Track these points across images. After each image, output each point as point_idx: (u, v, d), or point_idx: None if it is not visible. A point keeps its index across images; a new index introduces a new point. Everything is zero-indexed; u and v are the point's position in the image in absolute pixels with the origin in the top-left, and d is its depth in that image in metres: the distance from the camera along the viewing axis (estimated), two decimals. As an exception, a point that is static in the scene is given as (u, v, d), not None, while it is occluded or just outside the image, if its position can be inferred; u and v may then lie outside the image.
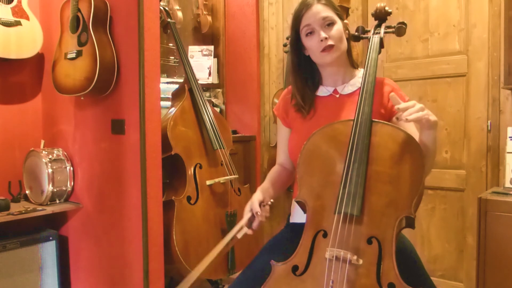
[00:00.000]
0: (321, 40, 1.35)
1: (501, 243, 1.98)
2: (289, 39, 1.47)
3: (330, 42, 1.35)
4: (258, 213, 1.32)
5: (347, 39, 1.43)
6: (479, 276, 2.05)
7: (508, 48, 2.18)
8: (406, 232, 1.26)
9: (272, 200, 1.39)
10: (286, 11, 3.32)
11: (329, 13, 1.37)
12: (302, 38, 1.40)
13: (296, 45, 1.43)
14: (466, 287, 2.53)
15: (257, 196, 1.38)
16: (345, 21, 1.43)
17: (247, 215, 1.35)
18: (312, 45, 1.38)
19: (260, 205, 1.35)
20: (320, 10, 1.36)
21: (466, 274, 2.53)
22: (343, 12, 1.45)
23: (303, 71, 1.46)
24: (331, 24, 1.36)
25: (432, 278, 1.34)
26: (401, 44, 2.75)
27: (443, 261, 2.62)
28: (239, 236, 1.33)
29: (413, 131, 1.33)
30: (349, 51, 1.45)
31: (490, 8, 2.41)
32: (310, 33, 1.37)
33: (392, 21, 1.45)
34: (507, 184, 2.16)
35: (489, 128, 2.43)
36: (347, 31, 1.42)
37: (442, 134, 2.61)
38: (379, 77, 1.38)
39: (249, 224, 1.34)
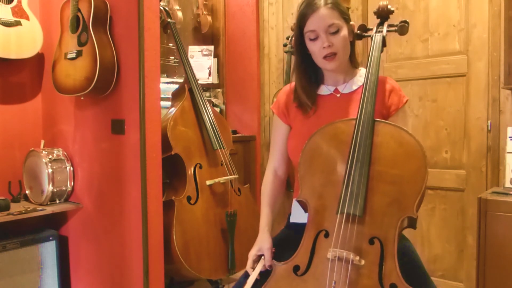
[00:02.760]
0: (324, 47, 1.34)
1: (501, 243, 1.98)
2: (293, 36, 1.45)
3: (333, 51, 1.34)
4: (270, 267, 1.29)
5: (351, 42, 1.42)
6: (479, 276, 2.05)
7: (508, 48, 2.18)
8: (406, 232, 1.25)
9: (273, 248, 1.37)
10: (286, 11, 3.32)
11: (335, 19, 1.34)
12: (306, 40, 1.39)
13: (300, 43, 1.42)
14: (466, 287, 2.54)
15: (269, 245, 1.34)
16: (352, 22, 1.42)
17: (260, 266, 1.31)
18: (314, 50, 1.37)
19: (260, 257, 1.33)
20: (326, 16, 1.33)
21: (466, 274, 2.53)
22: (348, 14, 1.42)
23: (307, 69, 1.45)
24: (336, 31, 1.34)
25: (432, 278, 1.34)
26: (401, 44, 2.75)
27: (443, 261, 2.62)
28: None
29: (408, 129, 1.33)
30: (352, 53, 1.44)
31: (490, 8, 2.41)
32: (314, 39, 1.36)
33: (392, 21, 1.45)
34: (507, 184, 2.16)
35: (489, 128, 2.43)
36: (351, 34, 1.41)
37: (442, 134, 2.61)
38: (381, 76, 1.38)
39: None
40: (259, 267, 1.31)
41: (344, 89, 1.44)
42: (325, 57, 1.35)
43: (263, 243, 1.35)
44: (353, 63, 1.47)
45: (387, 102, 1.39)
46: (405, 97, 1.42)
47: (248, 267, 1.34)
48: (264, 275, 1.29)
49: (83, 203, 2.31)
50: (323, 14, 1.34)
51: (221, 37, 3.34)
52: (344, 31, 1.36)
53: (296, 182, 1.43)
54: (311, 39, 1.37)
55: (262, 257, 1.33)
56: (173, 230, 2.18)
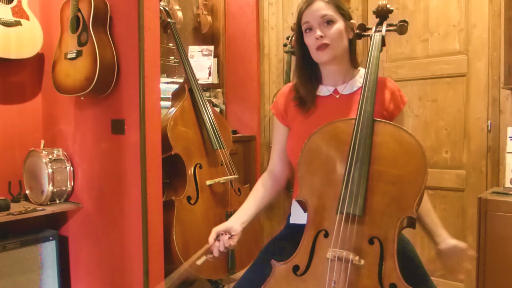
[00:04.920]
0: (316, 38, 1.35)
1: (501, 243, 1.98)
2: (295, 34, 1.47)
3: (325, 41, 1.34)
4: (212, 246, 1.31)
5: (351, 40, 1.42)
6: (479, 276, 2.05)
7: (508, 48, 2.18)
8: (406, 232, 1.25)
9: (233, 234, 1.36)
10: (286, 11, 3.32)
11: (329, 11, 1.36)
12: (303, 35, 1.40)
13: (300, 41, 1.43)
14: (466, 287, 2.53)
15: (218, 227, 1.36)
16: (352, 21, 1.42)
17: (206, 245, 1.33)
18: (309, 42, 1.38)
19: (218, 236, 1.34)
20: (320, 8, 1.36)
21: (466, 274, 2.53)
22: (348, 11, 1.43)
23: (307, 67, 1.46)
24: (330, 22, 1.35)
25: (432, 278, 1.34)
26: (401, 44, 2.75)
27: (443, 261, 2.61)
28: (199, 262, 1.30)
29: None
30: (353, 51, 1.44)
31: (490, 8, 2.41)
32: (309, 29, 1.38)
33: (392, 20, 1.45)
34: (507, 184, 2.16)
35: (489, 128, 2.43)
36: (351, 32, 1.42)
37: (442, 134, 2.61)
38: (381, 77, 1.38)
39: (209, 252, 1.32)
40: (205, 247, 1.32)
41: (344, 90, 1.43)
42: (317, 48, 1.36)
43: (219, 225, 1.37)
44: (353, 63, 1.47)
45: (388, 105, 1.39)
46: (405, 98, 1.42)
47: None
48: (259, 272, 1.29)
49: (83, 203, 2.31)
50: (318, 6, 1.37)
51: (221, 37, 3.34)
52: (339, 25, 1.37)
53: (295, 182, 1.43)
54: (306, 32, 1.39)
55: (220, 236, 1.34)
56: (173, 230, 2.18)
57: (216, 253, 1.32)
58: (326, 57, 1.37)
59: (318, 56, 1.38)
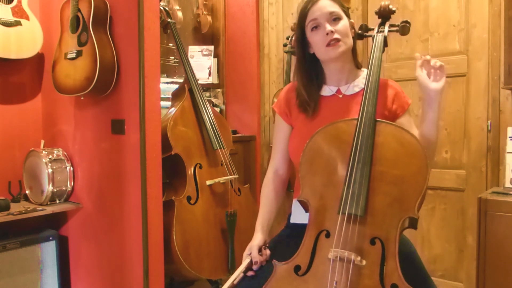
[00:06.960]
0: (327, 34, 1.34)
1: (501, 243, 1.98)
2: (295, 36, 1.46)
3: (336, 36, 1.34)
4: (258, 262, 1.33)
5: (353, 38, 1.42)
6: (479, 276, 2.05)
7: (508, 48, 2.18)
8: (407, 232, 1.25)
9: (268, 244, 1.40)
10: (286, 11, 3.32)
11: (335, 8, 1.36)
12: (307, 33, 1.39)
13: (301, 42, 1.42)
14: (466, 287, 2.54)
15: (257, 241, 1.38)
16: (351, 20, 1.42)
17: (245, 261, 1.34)
18: (317, 40, 1.37)
19: (260, 250, 1.36)
20: (327, 5, 1.36)
21: (466, 274, 2.53)
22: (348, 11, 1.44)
23: (309, 69, 1.45)
24: (337, 19, 1.36)
25: (432, 278, 1.34)
26: (401, 44, 2.75)
27: (443, 261, 2.62)
28: (236, 282, 1.31)
29: (415, 130, 1.34)
30: (354, 50, 1.45)
31: (490, 8, 2.41)
32: (316, 27, 1.37)
33: (393, 21, 1.45)
34: (507, 184, 2.16)
35: (489, 128, 2.43)
36: (353, 30, 1.42)
37: (442, 134, 2.61)
38: (383, 79, 1.38)
39: (247, 270, 1.33)
40: (244, 263, 1.33)
41: (347, 90, 1.43)
42: (328, 45, 1.35)
43: (252, 241, 1.39)
44: (356, 64, 1.47)
45: (390, 105, 1.39)
46: (409, 99, 1.42)
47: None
48: (259, 272, 1.30)
49: (83, 203, 2.31)
50: (324, 3, 1.37)
51: (221, 37, 3.34)
52: (345, 21, 1.38)
53: (296, 182, 1.43)
54: (312, 29, 1.38)
55: (250, 254, 1.36)
56: (173, 230, 2.18)
57: (257, 267, 1.33)
58: (336, 53, 1.36)
59: (328, 53, 1.37)
